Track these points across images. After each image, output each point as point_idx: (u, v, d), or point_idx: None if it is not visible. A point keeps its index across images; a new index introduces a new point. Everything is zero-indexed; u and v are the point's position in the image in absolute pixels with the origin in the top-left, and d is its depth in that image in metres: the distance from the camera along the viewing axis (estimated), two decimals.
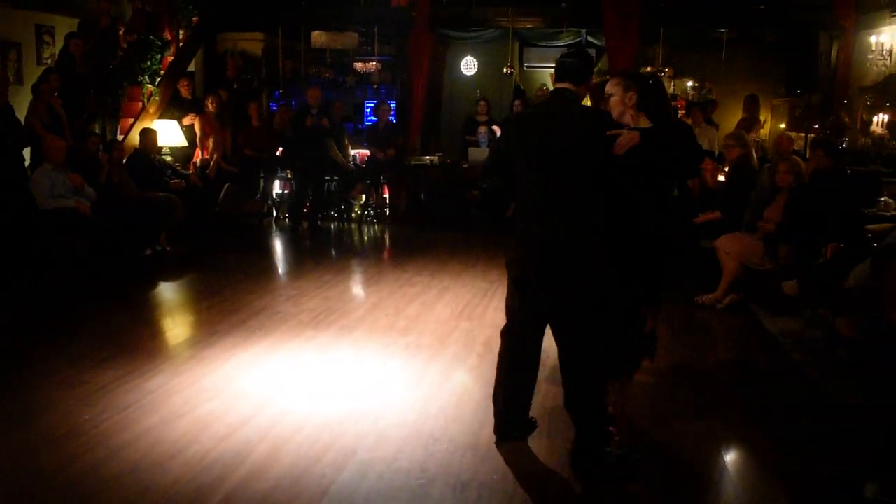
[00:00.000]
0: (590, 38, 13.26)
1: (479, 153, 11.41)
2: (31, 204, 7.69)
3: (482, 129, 11.71)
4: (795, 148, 9.03)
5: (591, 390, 3.71)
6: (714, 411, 4.60)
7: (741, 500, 3.63)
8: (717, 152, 10.08)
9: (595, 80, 14.18)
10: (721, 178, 8.78)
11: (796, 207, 6.58)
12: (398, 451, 3.89)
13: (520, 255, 3.87)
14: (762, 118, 12.53)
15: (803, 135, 10.56)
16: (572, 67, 3.78)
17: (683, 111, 13.31)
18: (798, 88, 11.81)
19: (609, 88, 4.07)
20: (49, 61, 10.20)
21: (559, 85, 3.83)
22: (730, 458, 4.10)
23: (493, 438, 4.05)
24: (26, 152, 8.75)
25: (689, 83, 14.13)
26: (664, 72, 12.93)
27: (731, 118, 12.46)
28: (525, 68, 14.51)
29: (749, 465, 4.08)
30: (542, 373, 4.26)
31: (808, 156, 8.56)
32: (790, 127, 11.68)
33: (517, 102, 12.21)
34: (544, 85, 13.78)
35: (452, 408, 4.50)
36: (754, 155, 8.03)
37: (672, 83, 13.95)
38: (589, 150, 3.60)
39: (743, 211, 7.22)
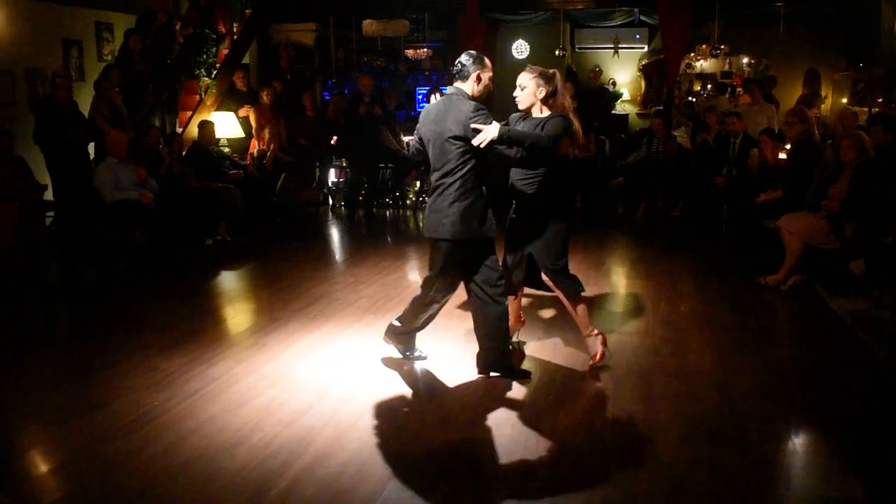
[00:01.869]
0: (642, 17, 13.06)
1: None
2: (95, 197, 7.89)
3: None
4: (859, 123, 8.78)
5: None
6: (780, 395, 4.52)
7: (809, 486, 3.56)
8: (776, 130, 9.86)
9: (649, 58, 13.95)
10: (782, 155, 8.60)
11: (861, 184, 6.40)
12: (463, 436, 3.90)
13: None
14: (823, 93, 12.22)
15: (866, 109, 10.25)
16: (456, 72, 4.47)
17: (740, 88, 13.09)
18: (860, 62, 11.46)
19: (523, 80, 4.59)
20: (109, 58, 10.43)
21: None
22: (797, 442, 4.02)
23: (556, 421, 4.04)
24: (90, 147, 8.98)
25: (745, 59, 13.83)
26: (720, 49, 12.67)
27: (790, 94, 12.17)
28: (577, 50, 14.35)
29: (817, 449, 4.00)
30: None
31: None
32: (852, 102, 11.36)
33: (569, 85, 12.08)
34: (597, 66, 13.64)
35: (515, 392, 4.49)
36: (816, 131, 7.83)
37: (727, 60, 13.68)
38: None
39: (806, 189, 7.05)
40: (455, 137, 4.33)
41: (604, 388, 4.50)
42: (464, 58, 4.48)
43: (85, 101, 9.14)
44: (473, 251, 4.57)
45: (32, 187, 7.97)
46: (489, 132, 4.20)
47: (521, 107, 4.66)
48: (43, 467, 3.74)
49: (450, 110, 4.38)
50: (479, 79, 4.44)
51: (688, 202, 10.30)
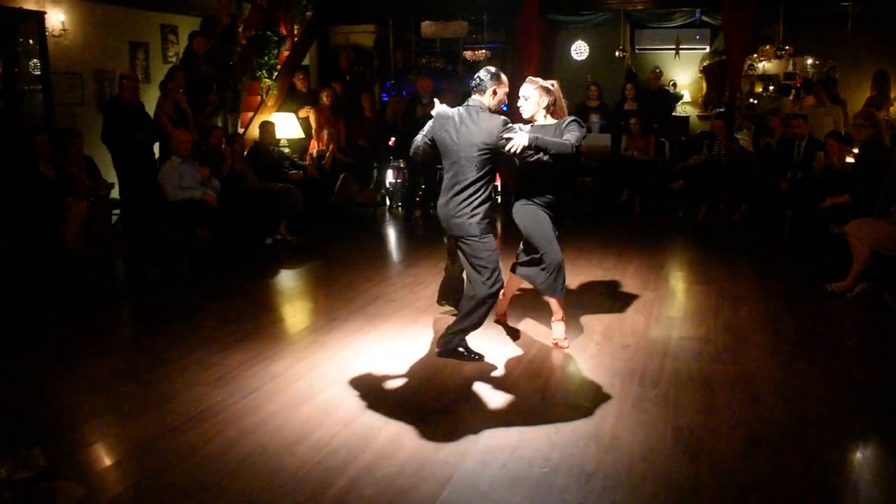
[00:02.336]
0: (704, 18, 12.84)
1: (591, 139, 11.25)
2: (160, 196, 8.06)
3: (594, 115, 11.54)
4: None
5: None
6: (845, 404, 4.40)
7: (876, 498, 3.46)
8: (843, 132, 9.61)
9: (711, 59, 13.70)
10: (849, 159, 8.39)
11: None
12: (520, 440, 3.88)
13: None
14: (892, 95, 11.88)
15: None
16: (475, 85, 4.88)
17: (802, 90, 12.78)
18: None
19: (526, 91, 5.07)
20: (174, 59, 10.66)
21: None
22: (863, 453, 3.91)
23: (617, 428, 3.99)
24: (155, 147, 9.18)
25: (809, 60, 13.51)
26: (785, 50, 12.39)
27: (857, 96, 11.85)
28: (636, 51, 14.19)
29: (884, 460, 3.88)
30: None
31: None
32: None
33: (629, 86, 11.98)
34: (657, 67, 13.45)
35: (573, 397, 4.45)
36: (886, 135, 7.62)
37: (791, 61, 13.37)
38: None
39: (874, 194, 6.85)
40: (484, 149, 4.72)
41: (665, 396, 4.43)
42: (482, 73, 4.90)
43: (151, 101, 9.35)
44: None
45: (101, 186, 8.18)
46: (520, 139, 4.59)
47: (524, 116, 5.13)
48: (109, 460, 3.82)
49: (477, 122, 4.76)
50: (494, 93, 4.85)
51: (750, 206, 10.12)
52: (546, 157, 4.81)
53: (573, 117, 5.03)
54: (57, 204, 7.20)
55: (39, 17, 8.63)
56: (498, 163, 4.89)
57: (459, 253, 5.08)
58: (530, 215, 5.25)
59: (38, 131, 7.98)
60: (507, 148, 4.64)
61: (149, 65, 10.45)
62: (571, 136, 4.83)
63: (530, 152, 4.75)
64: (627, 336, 5.53)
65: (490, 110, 4.85)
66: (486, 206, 4.91)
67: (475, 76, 4.93)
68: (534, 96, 5.05)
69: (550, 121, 5.08)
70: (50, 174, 7.41)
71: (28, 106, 8.55)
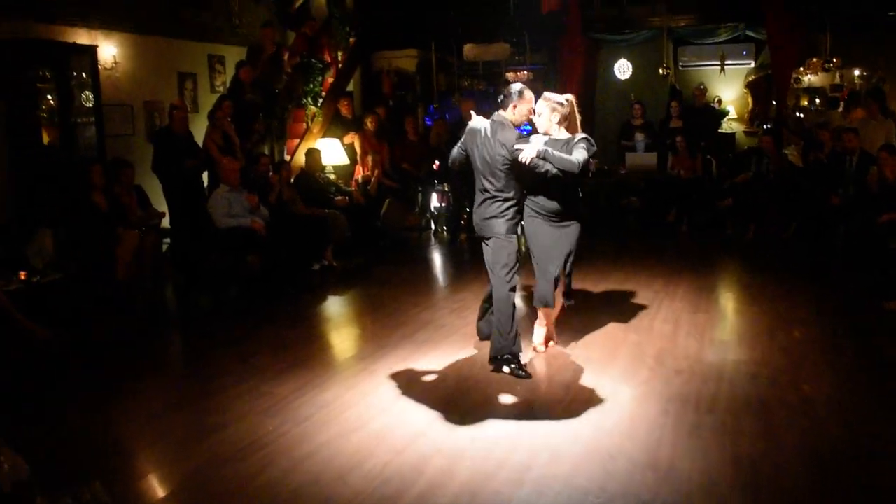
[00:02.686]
0: (748, 32, 12.72)
1: (637, 158, 11.19)
2: (209, 224, 8.17)
3: (639, 134, 11.45)
4: None
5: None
6: None
7: None
8: None
9: (756, 74, 13.52)
10: None
11: None
12: (574, 469, 3.82)
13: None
14: None
15: None
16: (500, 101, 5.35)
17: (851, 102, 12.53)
18: None
19: (539, 108, 5.31)
20: (221, 88, 10.83)
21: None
22: None
23: (673, 457, 3.91)
24: (204, 175, 9.32)
25: (857, 72, 13.26)
26: (832, 62, 12.18)
27: None
28: (680, 68, 14.09)
29: None
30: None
31: None
32: None
33: (674, 104, 11.88)
34: (701, 84, 13.33)
35: (627, 424, 4.38)
36: None
37: (838, 73, 13.13)
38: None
39: None
40: (505, 160, 5.14)
41: (722, 423, 4.34)
42: (507, 90, 5.36)
43: (199, 130, 9.50)
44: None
45: (152, 215, 8.32)
46: (529, 152, 4.96)
47: (539, 130, 5.37)
48: (163, 491, 3.85)
49: (497, 135, 5.17)
50: (514, 108, 5.24)
51: (800, 223, 9.93)
52: (554, 170, 5.05)
53: (584, 135, 5.25)
54: (109, 234, 7.33)
55: (92, 51, 8.83)
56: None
57: (485, 257, 5.44)
58: (529, 231, 5.50)
59: (92, 162, 8.17)
60: (519, 158, 4.99)
61: (197, 94, 10.63)
62: (580, 154, 5.08)
63: (540, 162, 5.00)
64: (680, 360, 5.43)
65: (514, 124, 5.26)
66: (513, 209, 5.32)
67: (503, 91, 5.40)
68: (545, 112, 5.29)
69: (564, 134, 5.31)
70: (103, 205, 7.56)
71: (81, 138, 8.73)
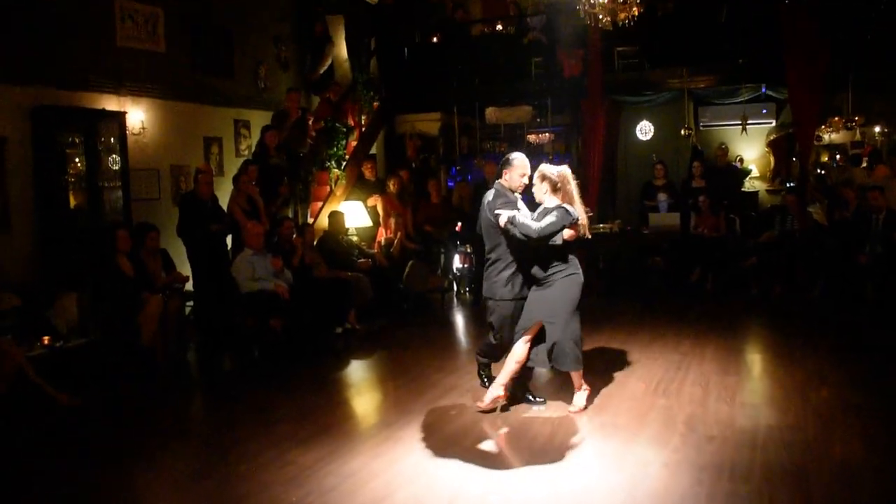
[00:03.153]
0: (769, 92, 12.75)
1: (660, 218, 11.15)
2: (232, 287, 8.18)
3: (662, 193, 11.43)
4: None
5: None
6: None
7: None
8: None
9: (776, 133, 13.50)
10: None
11: None
12: None
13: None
14: None
15: None
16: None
17: (867, 159, 12.48)
18: None
19: (534, 180, 5.67)
20: (246, 152, 10.98)
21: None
22: None
23: None
24: (228, 238, 9.37)
25: (877, 128, 13.22)
26: (854, 121, 12.15)
27: None
28: (701, 127, 14.12)
29: None
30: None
31: None
32: None
33: (696, 164, 11.87)
34: (723, 143, 13.35)
35: (660, 495, 4.26)
36: None
37: (858, 130, 13.10)
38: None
39: None
40: (491, 222, 5.58)
41: (759, 492, 4.21)
42: (503, 158, 5.81)
43: (224, 193, 9.59)
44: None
45: (176, 279, 8.35)
46: (500, 219, 5.41)
47: (536, 198, 5.71)
48: None
49: (490, 200, 5.64)
50: (506, 174, 5.66)
51: (827, 281, 9.80)
52: (520, 235, 5.37)
53: (559, 205, 5.50)
54: (134, 299, 7.35)
55: (120, 116, 8.98)
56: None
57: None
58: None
59: (118, 226, 8.25)
60: (499, 221, 5.44)
61: (222, 158, 10.76)
62: (543, 222, 5.39)
63: (510, 227, 5.37)
64: (712, 426, 5.31)
65: (512, 191, 5.65)
66: (505, 273, 5.64)
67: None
68: (536, 183, 5.66)
69: (552, 203, 5.58)
70: (128, 269, 7.60)
71: (108, 202, 8.83)
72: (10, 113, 7.94)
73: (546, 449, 5.05)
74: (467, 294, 11.27)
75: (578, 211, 5.61)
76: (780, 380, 6.48)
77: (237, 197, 9.20)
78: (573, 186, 5.65)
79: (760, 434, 5.14)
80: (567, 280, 5.60)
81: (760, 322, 9.20)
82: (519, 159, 5.69)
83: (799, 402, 5.75)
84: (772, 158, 14.25)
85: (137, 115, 9.36)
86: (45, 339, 6.57)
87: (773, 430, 5.20)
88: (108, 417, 6.25)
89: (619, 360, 7.19)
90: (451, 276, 11.45)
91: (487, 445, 5.17)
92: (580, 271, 5.72)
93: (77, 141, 8.55)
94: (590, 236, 6.05)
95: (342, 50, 12.86)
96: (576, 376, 5.75)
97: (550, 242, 5.41)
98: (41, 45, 8.19)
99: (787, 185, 12.85)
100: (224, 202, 9.36)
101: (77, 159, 8.58)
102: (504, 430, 5.46)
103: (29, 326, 6.93)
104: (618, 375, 6.68)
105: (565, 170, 5.69)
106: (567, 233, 5.48)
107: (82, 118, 8.56)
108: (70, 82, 8.54)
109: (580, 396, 5.77)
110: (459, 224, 11.26)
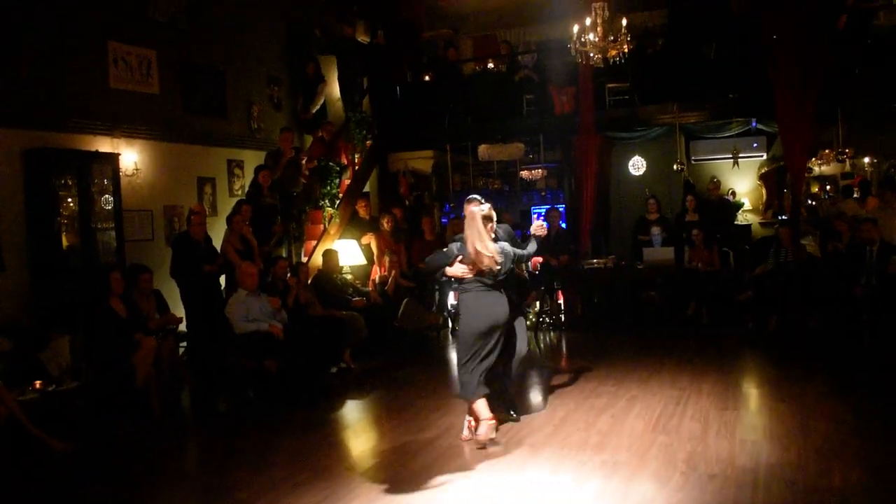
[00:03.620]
0: (760, 126, 12.85)
1: (653, 253, 11.15)
2: (226, 328, 8.12)
3: (655, 228, 11.45)
4: None
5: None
6: None
7: None
8: None
9: (768, 166, 13.63)
10: None
11: None
12: None
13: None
14: None
15: None
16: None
17: (858, 189, 12.57)
18: None
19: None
20: (239, 192, 10.98)
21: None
22: None
23: None
24: (221, 278, 9.33)
25: (867, 159, 13.32)
26: (845, 153, 12.24)
27: None
28: (692, 162, 14.20)
29: None
30: None
31: None
32: None
33: (689, 198, 11.90)
34: (714, 177, 13.44)
35: None
36: None
37: (848, 162, 13.19)
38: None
39: None
40: None
41: None
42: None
43: (217, 233, 9.57)
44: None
45: (170, 320, 8.30)
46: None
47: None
48: None
49: None
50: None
51: (823, 314, 9.79)
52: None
53: (452, 243, 6.18)
54: (128, 341, 7.29)
55: (114, 158, 8.98)
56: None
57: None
58: None
59: (111, 268, 8.21)
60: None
61: (216, 198, 10.76)
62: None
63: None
64: (713, 464, 5.26)
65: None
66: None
67: None
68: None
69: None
70: (122, 311, 7.55)
71: (101, 243, 8.79)
72: (2, 155, 7.93)
73: (548, 489, 4.98)
74: None
75: (476, 248, 5.86)
76: (780, 415, 6.43)
77: (231, 237, 9.18)
78: (478, 224, 5.91)
79: (762, 472, 5.08)
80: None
81: (757, 356, 9.17)
82: (470, 204, 6.14)
83: (801, 440, 5.70)
84: (764, 191, 14.34)
85: (131, 157, 9.36)
86: (37, 384, 6.49)
87: (773, 469, 5.14)
88: (101, 462, 6.15)
89: (617, 396, 7.14)
90: (445, 314, 11.40)
91: (487, 486, 5.09)
92: (472, 309, 6.01)
93: (70, 182, 8.51)
94: (522, 273, 7.27)
95: (334, 89, 12.96)
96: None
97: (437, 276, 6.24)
98: (34, 88, 8.21)
99: (780, 217, 12.92)
100: (217, 242, 9.33)
101: (70, 200, 8.53)
102: (504, 470, 5.38)
103: (20, 370, 6.85)
104: (616, 412, 6.62)
105: (473, 208, 6.00)
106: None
107: (75, 160, 8.54)
108: (63, 124, 8.54)
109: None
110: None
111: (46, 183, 8.22)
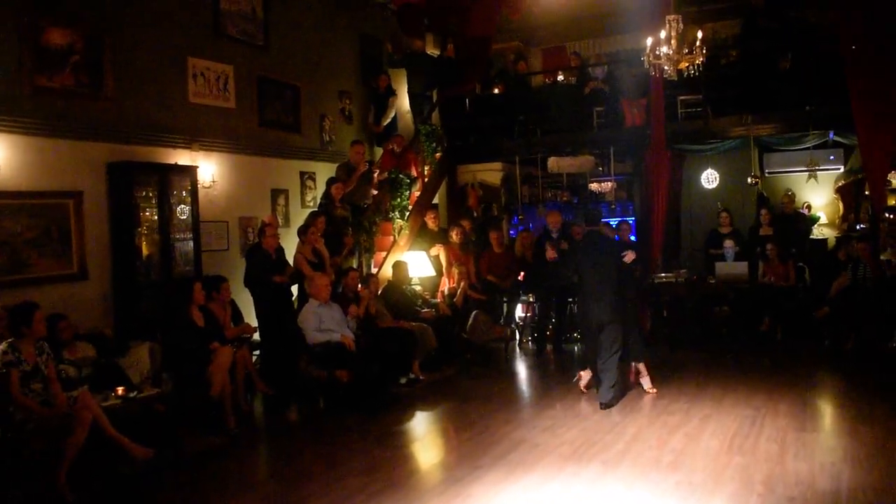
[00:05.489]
0: (837, 138, 12.52)
1: (726, 267, 10.96)
2: (298, 338, 8.25)
3: (728, 241, 11.24)
4: None
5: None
6: None
7: None
8: None
9: (845, 179, 13.37)
10: None
11: None
12: None
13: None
14: None
15: None
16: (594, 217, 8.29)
17: None
18: None
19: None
20: (311, 204, 11.17)
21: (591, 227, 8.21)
22: None
23: None
24: (293, 288, 9.48)
25: None
26: None
27: None
28: (766, 174, 13.89)
29: None
30: None
31: None
32: None
33: (763, 211, 11.66)
34: (789, 190, 13.12)
35: None
36: None
37: None
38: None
39: None
40: None
41: None
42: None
43: (288, 244, 9.75)
44: None
45: (245, 330, 8.48)
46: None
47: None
48: None
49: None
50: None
51: None
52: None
53: None
54: (205, 350, 7.45)
55: (192, 170, 9.24)
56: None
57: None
58: None
59: (190, 277, 8.42)
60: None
61: (288, 210, 10.98)
62: None
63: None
64: (791, 487, 5.14)
65: None
66: None
67: None
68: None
69: None
70: (200, 320, 7.73)
71: (179, 253, 9.04)
72: (87, 167, 8.24)
73: None
74: (530, 344, 11.19)
75: None
76: (862, 438, 6.24)
77: (304, 248, 9.32)
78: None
79: (843, 496, 4.96)
80: None
81: (835, 375, 8.92)
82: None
83: (884, 463, 5.54)
84: (840, 205, 13.94)
85: (208, 169, 9.61)
86: (120, 390, 6.67)
87: (856, 493, 5.01)
88: (178, 470, 6.29)
89: (689, 415, 7.04)
90: (513, 326, 11.37)
91: (562, 502, 5.06)
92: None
93: (150, 194, 8.79)
94: None
95: (405, 102, 13.09)
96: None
97: None
98: (118, 102, 8.51)
99: (857, 227, 12.55)
100: (289, 252, 9.49)
101: (150, 211, 8.80)
102: (578, 486, 5.35)
103: (104, 376, 7.06)
104: (690, 431, 6.53)
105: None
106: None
107: (156, 172, 8.81)
108: (144, 138, 8.83)
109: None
110: (522, 273, 11.21)
111: (128, 194, 8.50)
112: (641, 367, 8.20)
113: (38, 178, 7.73)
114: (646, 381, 8.11)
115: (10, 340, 5.93)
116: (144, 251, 8.73)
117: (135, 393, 6.75)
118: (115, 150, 8.49)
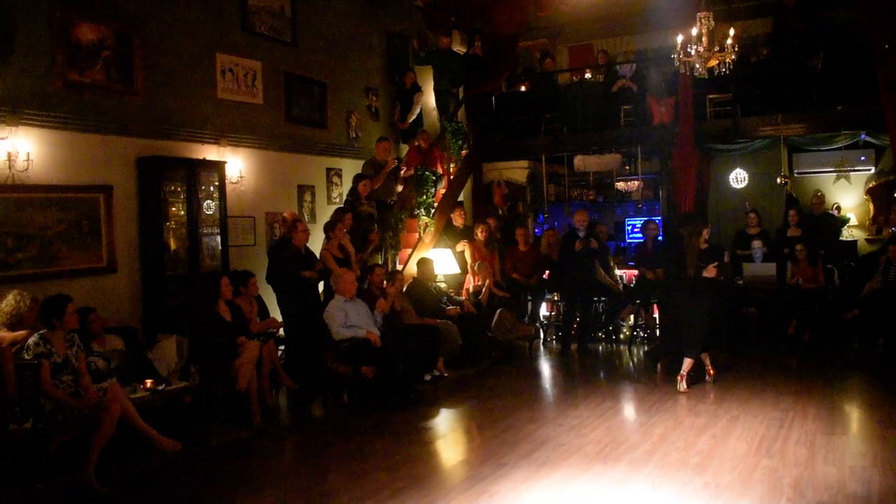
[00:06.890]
0: (868, 138, 12.36)
1: (754, 269, 10.85)
2: (324, 333, 8.28)
3: (756, 242, 11.13)
4: None
5: None
6: None
7: None
8: None
9: (877, 180, 13.29)
10: None
11: None
12: None
13: None
14: None
15: None
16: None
17: None
18: None
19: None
20: (337, 200, 11.21)
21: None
22: None
23: None
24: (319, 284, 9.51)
25: None
26: None
27: None
28: (795, 175, 13.75)
29: None
30: None
31: None
32: None
33: (792, 212, 11.53)
34: (818, 191, 12.97)
35: None
36: None
37: None
38: None
39: None
40: None
41: None
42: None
43: (314, 240, 9.78)
44: None
45: (271, 324, 8.53)
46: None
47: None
48: None
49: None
50: None
51: None
52: None
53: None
54: (231, 344, 7.49)
55: (220, 166, 9.29)
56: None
57: None
58: None
59: (217, 272, 8.48)
60: None
61: (314, 206, 11.01)
62: None
63: None
64: (821, 491, 5.08)
65: None
66: None
67: None
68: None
69: None
70: (227, 315, 7.77)
71: (206, 248, 9.09)
72: (117, 162, 8.32)
73: None
74: (554, 342, 11.16)
75: None
76: (890, 441, 6.16)
77: (330, 244, 9.34)
78: None
79: (874, 501, 4.89)
80: None
81: (864, 378, 8.81)
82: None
83: None
84: (871, 206, 13.76)
85: (236, 165, 9.66)
86: (148, 382, 6.73)
87: (888, 497, 4.95)
88: (204, 463, 6.34)
89: (717, 416, 6.98)
90: (538, 324, 11.34)
91: (588, 502, 5.04)
92: None
93: (179, 189, 8.85)
94: None
95: (431, 99, 13.09)
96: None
97: None
98: (147, 97, 8.58)
99: (892, 230, 12.38)
100: (315, 248, 9.52)
101: (178, 206, 8.87)
102: (604, 486, 5.33)
103: (132, 369, 7.13)
104: (717, 433, 6.47)
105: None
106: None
107: (184, 167, 8.87)
108: (173, 133, 8.90)
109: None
110: (547, 272, 11.17)
111: (157, 189, 8.57)
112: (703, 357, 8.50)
113: (70, 173, 7.81)
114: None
115: (41, 332, 5.99)
116: (172, 245, 8.79)
117: (163, 386, 6.81)
118: (145, 144, 8.57)
